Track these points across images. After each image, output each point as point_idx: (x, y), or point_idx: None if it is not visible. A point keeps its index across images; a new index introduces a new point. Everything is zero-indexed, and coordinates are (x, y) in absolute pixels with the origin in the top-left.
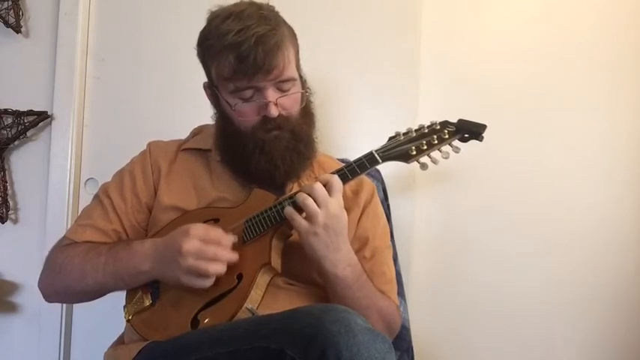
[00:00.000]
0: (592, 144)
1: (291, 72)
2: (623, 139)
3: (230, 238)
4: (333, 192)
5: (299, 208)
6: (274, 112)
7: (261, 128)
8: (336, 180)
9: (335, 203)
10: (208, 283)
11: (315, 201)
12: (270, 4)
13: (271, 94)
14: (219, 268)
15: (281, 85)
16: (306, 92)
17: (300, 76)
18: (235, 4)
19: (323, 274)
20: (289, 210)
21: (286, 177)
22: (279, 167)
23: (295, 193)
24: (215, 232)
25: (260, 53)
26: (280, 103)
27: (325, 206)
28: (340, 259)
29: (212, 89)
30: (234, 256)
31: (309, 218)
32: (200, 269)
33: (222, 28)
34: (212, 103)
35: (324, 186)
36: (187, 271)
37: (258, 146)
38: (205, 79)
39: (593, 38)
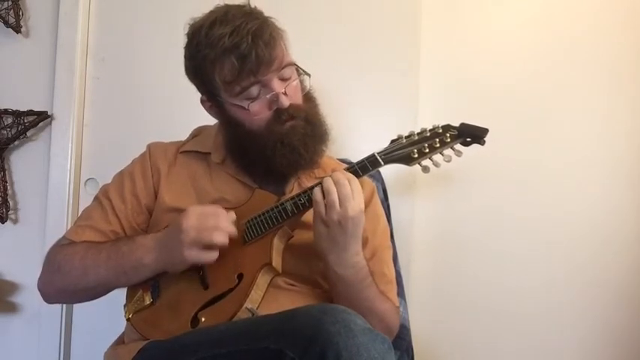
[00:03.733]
0: (592, 144)
1: (289, 58)
2: (624, 139)
3: (230, 215)
4: (355, 194)
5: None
6: (285, 102)
7: (276, 122)
8: (355, 182)
9: (355, 205)
10: (214, 255)
11: (338, 196)
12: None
13: (277, 85)
14: (222, 237)
15: (282, 74)
16: (302, 75)
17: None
18: (211, 12)
19: (325, 268)
20: (318, 193)
21: (311, 163)
22: (303, 155)
23: (298, 195)
24: (213, 207)
25: (260, 47)
26: (287, 92)
27: (345, 206)
28: (345, 258)
29: (213, 100)
30: (233, 228)
31: (328, 208)
32: (203, 239)
33: (213, 35)
34: (215, 114)
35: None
36: (191, 244)
37: (278, 140)
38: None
39: (593, 39)
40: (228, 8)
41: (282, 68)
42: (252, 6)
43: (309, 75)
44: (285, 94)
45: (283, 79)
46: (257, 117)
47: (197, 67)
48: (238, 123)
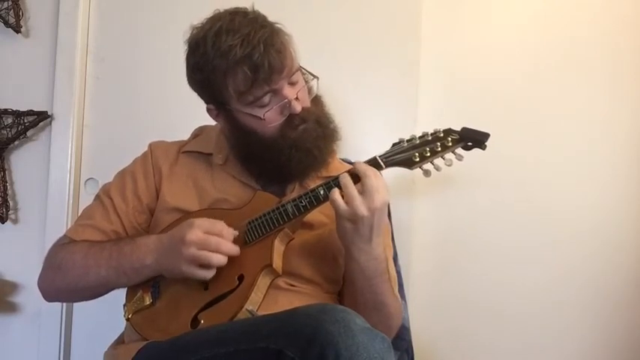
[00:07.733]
0: (593, 143)
1: (297, 62)
2: (625, 138)
3: (233, 232)
4: (381, 187)
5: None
6: (298, 107)
7: (288, 127)
8: (379, 175)
9: (381, 197)
10: (209, 274)
11: (365, 188)
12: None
13: (289, 92)
14: (221, 260)
15: (292, 79)
16: (308, 78)
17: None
18: (212, 20)
19: (346, 259)
20: (334, 192)
21: (324, 163)
22: (317, 157)
23: (299, 197)
24: (219, 225)
25: (273, 55)
26: (298, 97)
27: (371, 197)
28: (367, 250)
29: (221, 109)
30: (235, 249)
31: (350, 203)
32: (202, 259)
33: (222, 46)
34: (223, 122)
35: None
36: (189, 260)
37: (292, 145)
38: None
39: (593, 39)
40: (232, 16)
41: (293, 74)
42: (254, 9)
43: (317, 78)
44: (297, 99)
45: (292, 84)
46: (271, 125)
47: (205, 78)
48: (250, 130)
